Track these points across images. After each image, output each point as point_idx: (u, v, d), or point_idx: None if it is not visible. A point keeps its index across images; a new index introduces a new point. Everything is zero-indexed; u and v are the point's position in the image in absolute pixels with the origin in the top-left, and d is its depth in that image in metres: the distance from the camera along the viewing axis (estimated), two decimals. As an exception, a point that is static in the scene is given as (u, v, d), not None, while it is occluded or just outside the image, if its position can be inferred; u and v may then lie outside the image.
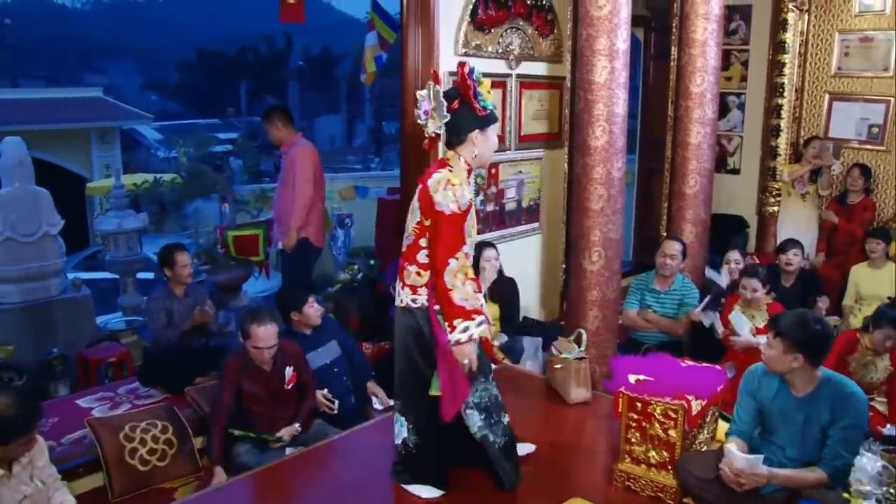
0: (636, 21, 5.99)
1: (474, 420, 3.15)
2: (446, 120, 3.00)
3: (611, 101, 4.61)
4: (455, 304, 2.91)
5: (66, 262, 6.78)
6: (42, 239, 6.27)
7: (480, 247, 5.09)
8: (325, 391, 4.27)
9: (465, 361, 2.97)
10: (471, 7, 5.10)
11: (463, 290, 2.91)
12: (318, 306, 4.52)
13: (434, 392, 3.10)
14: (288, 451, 3.87)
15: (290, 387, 4.03)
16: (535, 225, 6.04)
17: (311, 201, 5.70)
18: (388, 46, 7.61)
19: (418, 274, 3.04)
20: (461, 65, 2.98)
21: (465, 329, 2.91)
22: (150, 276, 9.21)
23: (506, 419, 3.27)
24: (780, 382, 3.15)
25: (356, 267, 7.23)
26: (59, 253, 6.46)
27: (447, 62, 5.02)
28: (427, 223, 2.99)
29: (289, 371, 4.05)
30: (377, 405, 4.53)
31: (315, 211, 5.82)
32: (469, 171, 3.08)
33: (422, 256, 3.03)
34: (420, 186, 3.04)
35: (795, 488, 3.03)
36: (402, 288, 3.09)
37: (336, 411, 4.24)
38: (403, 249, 3.10)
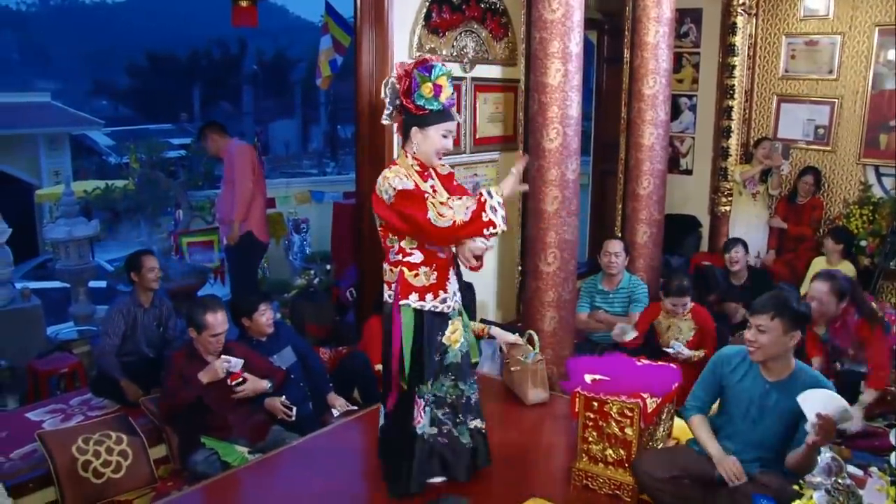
0: (589, 24, 6.05)
1: (426, 419, 3.18)
2: (388, 112, 3.10)
3: (565, 104, 4.65)
4: (468, 220, 2.89)
5: (13, 272, 6.62)
6: (-12, 248, 6.13)
7: None
8: (283, 398, 4.23)
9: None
10: (425, 10, 5.11)
11: (457, 209, 2.90)
12: (270, 314, 4.49)
13: (402, 383, 3.13)
14: (250, 458, 3.84)
15: (232, 383, 4.00)
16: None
17: (251, 194, 6.13)
18: (343, 50, 7.58)
19: (390, 271, 3.12)
20: (416, 61, 3.01)
21: (493, 209, 2.91)
22: (103, 284, 9.03)
23: (473, 424, 3.32)
24: (750, 366, 3.23)
25: (312, 272, 7.18)
26: (6, 262, 6.30)
27: (401, 66, 5.02)
28: (384, 223, 3.07)
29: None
30: (336, 414, 4.50)
31: (256, 205, 6.23)
32: (422, 167, 3.09)
33: (391, 255, 3.12)
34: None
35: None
36: (384, 284, 3.18)
37: (293, 418, 4.21)
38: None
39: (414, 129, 3.05)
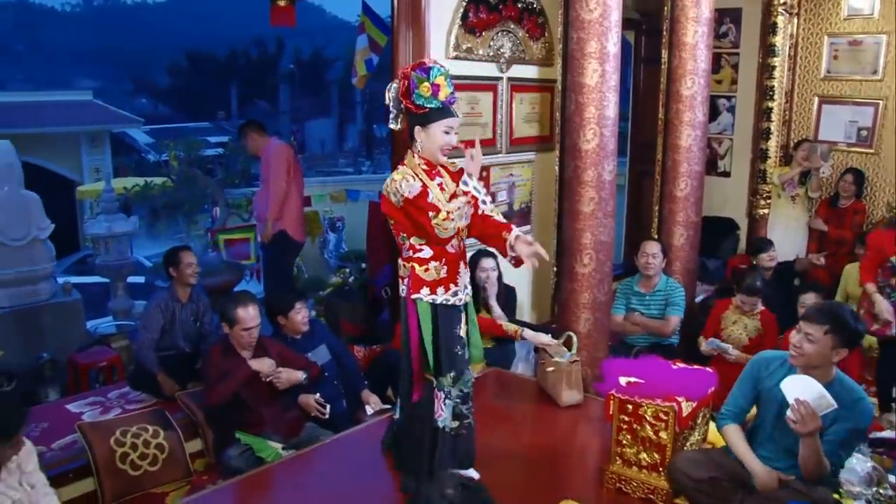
0: (626, 24, 6.00)
1: (448, 412, 3.21)
2: (393, 115, 3.18)
3: (601, 104, 4.62)
4: (469, 223, 3.11)
5: (55, 267, 6.74)
6: (31, 243, 6.23)
7: (477, 256, 5.09)
8: (317, 395, 4.26)
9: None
10: (461, 10, 5.11)
11: (457, 218, 3.03)
12: (305, 312, 4.52)
13: (429, 375, 3.20)
14: (283, 454, 3.88)
15: (267, 380, 4.04)
16: (527, 228, 6.05)
17: (284, 194, 6.22)
18: (379, 49, 7.61)
19: (403, 266, 3.19)
20: (414, 64, 3.12)
21: (484, 203, 3.15)
22: (141, 280, 9.17)
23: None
24: (788, 370, 3.18)
25: (347, 271, 7.23)
26: (48, 257, 6.42)
27: (438, 65, 5.03)
28: (394, 222, 3.16)
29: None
30: (370, 411, 4.51)
31: (291, 204, 6.31)
32: (429, 165, 3.16)
33: (403, 251, 3.19)
34: None
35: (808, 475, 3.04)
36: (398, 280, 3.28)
37: (327, 416, 4.23)
38: None
39: (417, 128, 3.12)
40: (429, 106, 3.05)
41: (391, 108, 3.17)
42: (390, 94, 3.16)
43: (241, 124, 6.92)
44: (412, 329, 3.15)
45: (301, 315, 4.48)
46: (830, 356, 3.06)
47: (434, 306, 3.13)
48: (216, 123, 31.81)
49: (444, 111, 3.09)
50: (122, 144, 23.39)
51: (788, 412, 2.91)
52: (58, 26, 51.90)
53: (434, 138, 3.10)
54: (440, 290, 3.13)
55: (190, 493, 3.80)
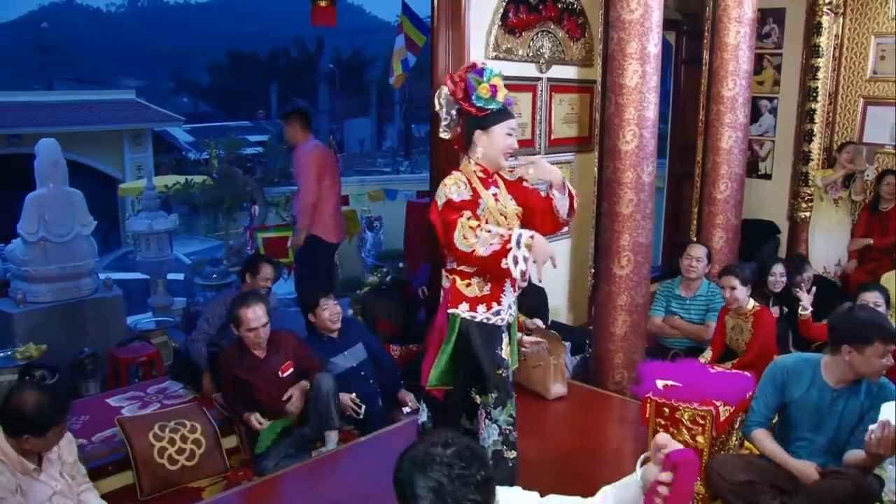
0: (667, 25, 5.93)
1: (491, 433, 3.04)
2: (445, 123, 3.08)
3: (641, 105, 4.58)
4: (487, 256, 2.76)
5: (97, 263, 6.85)
6: (75, 239, 6.34)
7: None
8: (353, 395, 4.28)
9: (550, 258, 2.78)
10: (501, 10, 5.10)
11: (482, 240, 2.76)
12: (335, 309, 4.51)
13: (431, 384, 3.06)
14: (314, 453, 3.91)
15: (285, 375, 4.07)
16: (564, 229, 6.00)
17: (314, 198, 5.96)
18: (417, 49, 7.62)
19: (446, 278, 3.06)
20: (465, 67, 3.00)
21: (514, 260, 2.73)
22: (180, 277, 9.29)
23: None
24: (812, 375, 3.18)
25: (385, 270, 7.24)
26: (91, 253, 6.52)
27: (477, 65, 5.02)
28: (438, 230, 3.00)
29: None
30: (406, 410, 4.52)
31: (323, 208, 6.05)
32: (486, 173, 3.04)
33: (448, 262, 3.06)
34: None
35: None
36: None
37: (362, 416, 4.25)
38: None
39: (477, 132, 3.00)
40: (490, 107, 2.96)
41: (443, 116, 3.06)
42: (440, 101, 3.04)
43: (287, 112, 6.61)
44: (434, 342, 3.03)
45: (328, 312, 4.47)
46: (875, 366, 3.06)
47: (470, 324, 2.95)
48: (256, 122, 32.12)
49: (505, 112, 3.01)
50: (164, 143, 23.71)
51: (872, 426, 2.85)
52: (103, 26, 52.81)
53: (496, 141, 2.99)
54: (480, 307, 2.96)
55: (226, 488, 3.85)
